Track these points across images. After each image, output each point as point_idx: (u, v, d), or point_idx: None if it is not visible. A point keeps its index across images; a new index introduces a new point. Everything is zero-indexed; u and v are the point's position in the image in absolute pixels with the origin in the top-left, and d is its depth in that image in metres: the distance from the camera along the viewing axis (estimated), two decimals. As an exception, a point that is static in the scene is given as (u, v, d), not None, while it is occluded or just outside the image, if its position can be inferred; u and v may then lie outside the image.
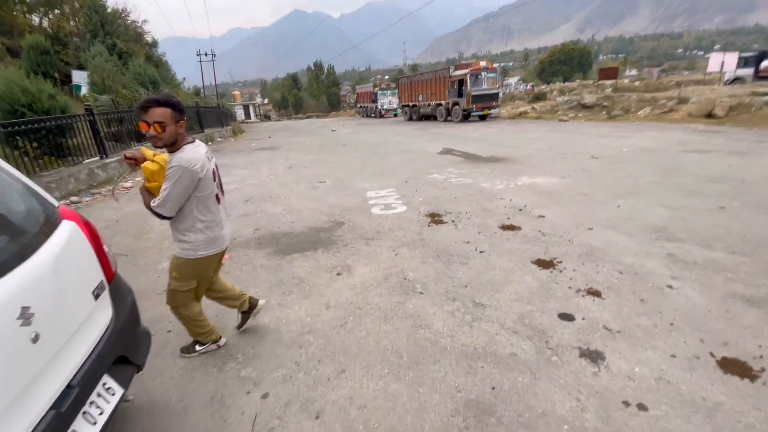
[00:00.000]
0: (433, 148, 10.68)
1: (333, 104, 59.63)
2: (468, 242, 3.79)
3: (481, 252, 3.54)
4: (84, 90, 14.15)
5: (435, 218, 4.59)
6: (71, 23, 18.29)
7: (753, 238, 3.52)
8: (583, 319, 2.49)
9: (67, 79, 14.89)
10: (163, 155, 1.99)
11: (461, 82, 19.00)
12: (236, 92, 62.62)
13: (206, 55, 39.84)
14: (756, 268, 2.98)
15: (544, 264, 3.27)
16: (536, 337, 2.32)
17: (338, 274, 3.34)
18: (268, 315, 2.73)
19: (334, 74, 64.76)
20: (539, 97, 26.38)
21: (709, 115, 13.00)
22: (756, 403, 1.75)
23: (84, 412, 1.33)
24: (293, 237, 4.29)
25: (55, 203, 1.57)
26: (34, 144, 7.05)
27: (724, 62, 19.16)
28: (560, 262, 3.30)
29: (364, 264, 3.49)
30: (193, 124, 15.32)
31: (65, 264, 1.37)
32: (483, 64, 19.39)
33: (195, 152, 1.88)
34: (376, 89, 32.51)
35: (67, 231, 1.47)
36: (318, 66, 64.42)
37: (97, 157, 8.89)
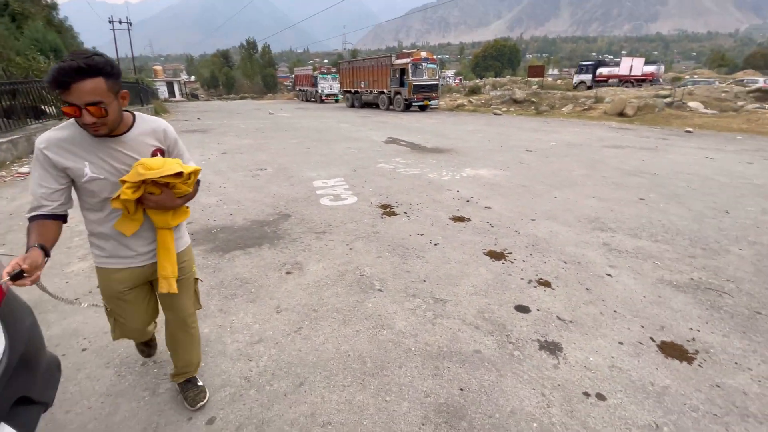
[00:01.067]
0: (378, 136, 10.56)
1: (269, 86, 56.55)
2: (422, 234, 3.74)
3: (435, 244, 3.51)
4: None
5: (387, 210, 4.48)
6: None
7: (671, 227, 3.94)
8: (538, 310, 2.55)
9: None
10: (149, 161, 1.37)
11: (402, 71, 19.03)
12: (158, 67, 56.27)
13: (120, 23, 35.20)
14: (677, 254, 3.33)
15: (496, 255, 3.33)
16: (497, 332, 2.32)
17: (288, 272, 3.08)
18: (207, 323, 2.41)
19: (270, 54, 61.33)
20: (474, 91, 27.52)
21: (621, 114, 14.56)
22: (696, 384, 1.91)
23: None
24: (233, 232, 3.90)
25: None
26: None
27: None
28: (510, 253, 3.38)
29: (317, 260, 3.27)
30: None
31: None
32: (423, 54, 19.59)
33: (154, 119, 1.49)
34: (316, 73, 31.34)
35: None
36: (251, 44, 60.46)
37: (-22, 136, 7.35)
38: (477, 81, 39.10)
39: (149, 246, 1.53)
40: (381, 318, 2.47)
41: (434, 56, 20.24)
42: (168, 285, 1.51)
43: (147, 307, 1.70)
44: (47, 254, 1.23)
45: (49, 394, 1.43)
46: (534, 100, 19.59)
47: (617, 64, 25.80)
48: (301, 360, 2.11)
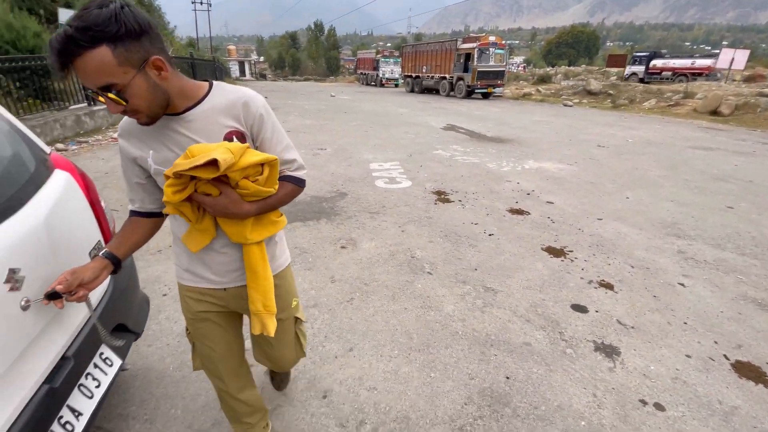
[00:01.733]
0: (437, 122, 10.39)
1: (332, 69, 57.60)
2: (476, 224, 3.68)
3: (490, 235, 3.45)
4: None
5: (441, 196, 4.45)
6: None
7: (763, 240, 3.49)
8: (597, 311, 2.43)
9: (53, 18, 13.86)
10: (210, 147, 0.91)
11: (468, 56, 18.37)
12: (231, 47, 59.65)
13: (201, 3, 37.65)
14: (766, 271, 2.96)
15: (555, 252, 3.19)
16: (550, 328, 2.26)
17: (342, 247, 3.21)
18: (270, 285, 2.61)
19: (335, 36, 62.14)
20: (544, 80, 25.88)
21: (715, 113, 12.91)
22: (775, 410, 1.73)
23: (80, 386, 1.21)
24: (294, 204, 4.12)
25: (47, 149, 1.37)
26: (17, 84, 6.57)
27: (734, 59, 18.88)
28: (571, 251, 3.22)
29: (370, 239, 3.37)
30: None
31: (59, 220, 1.20)
32: (492, 39, 18.69)
33: (235, 89, 1.00)
34: (379, 56, 31.35)
35: (60, 182, 1.29)
36: (318, 26, 61.64)
37: (85, 104, 8.39)
38: (548, 69, 36.66)
39: (231, 265, 1.11)
40: (429, 299, 2.50)
41: (503, 41, 19.27)
42: (261, 324, 1.11)
43: (234, 342, 1.28)
44: (116, 264, 1.05)
45: (140, 326, 1.67)
46: (611, 92, 17.99)
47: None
48: (351, 327, 2.22)
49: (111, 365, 1.37)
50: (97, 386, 1.28)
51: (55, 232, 1.16)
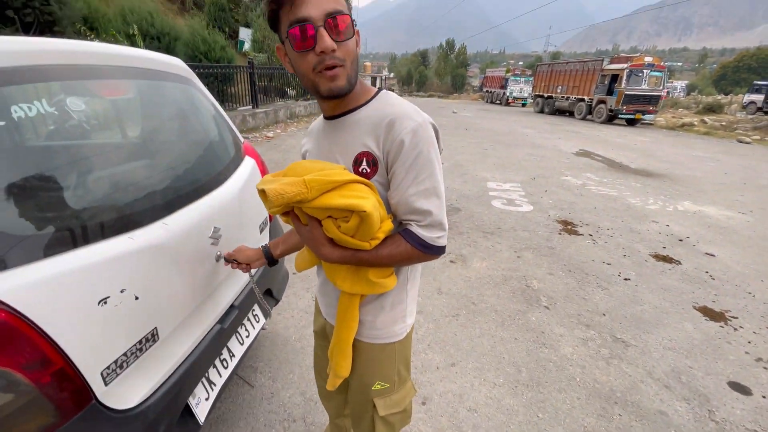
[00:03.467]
0: (568, 147, 9.56)
1: (457, 86, 57.97)
2: (608, 263, 3.26)
3: (626, 279, 3.01)
4: (246, 46, 16.19)
5: (568, 227, 4.07)
6: (246, -17, 20.83)
7: None
8: (764, 397, 1.92)
9: (234, 35, 17.20)
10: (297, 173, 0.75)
11: (614, 78, 16.46)
12: (367, 63, 65.04)
13: (349, 23, 41.96)
14: None
15: (712, 315, 2.62)
16: (696, 402, 1.86)
17: (451, 261, 3.19)
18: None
19: (465, 54, 62.46)
20: (712, 109, 21.54)
21: None
22: None
23: (237, 333, 1.46)
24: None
25: (242, 139, 1.72)
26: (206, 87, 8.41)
27: None
28: (735, 317, 2.61)
29: (481, 258, 3.27)
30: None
31: (246, 196, 1.49)
32: (648, 59, 16.40)
33: (397, 103, 0.81)
34: (509, 74, 30.36)
35: (249, 167, 1.59)
36: (449, 44, 62.80)
37: (250, 106, 10.15)
38: (718, 97, 30.43)
39: (332, 302, 0.97)
40: (544, 335, 2.31)
41: (662, 62, 16.74)
42: (332, 383, 0.99)
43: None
44: (270, 258, 1.13)
45: (280, 294, 1.93)
46: (815, 129, 14.01)
47: None
48: (455, 343, 2.19)
49: (258, 321, 1.62)
50: (247, 336, 1.53)
51: (243, 205, 1.44)
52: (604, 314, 2.54)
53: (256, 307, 1.65)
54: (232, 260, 1.17)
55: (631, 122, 16.70)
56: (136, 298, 0.95)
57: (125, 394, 0.93)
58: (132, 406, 0.93)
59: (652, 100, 16.14)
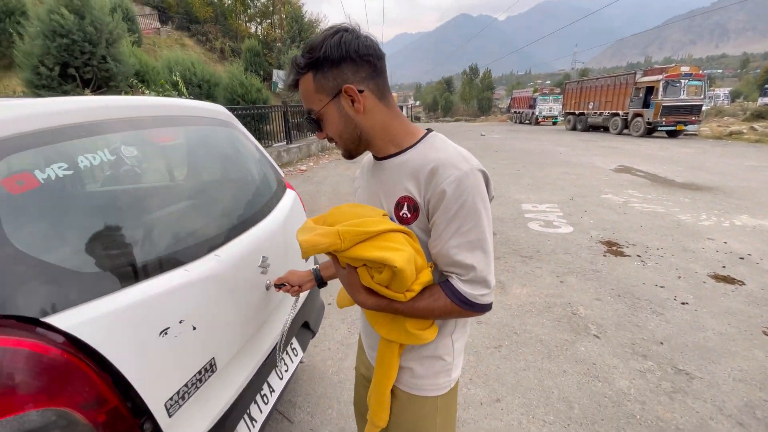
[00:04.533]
0: (605, 163, 9.20)
1: (483, 109, 58.15)
2: (662, 286, 3.03)
3: (683, 303, 2.77)
4: (280, 86, 17.21)
5: (613, 248, 3.85)
6: (277, 31, 22.48)
7: None
8: None
9: (268, 77, 18.39)
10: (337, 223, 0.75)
11: (650, 90, 15.90)
12: (394, 94, 66.93)
13: (375, 57, 43.81)
14: None
15: (791, 342, 2.34)
16: (784, 447, 1.64)
17: (490, 287, 3.09)
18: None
19: (490, 78, 62.98)
20: (762, 115, 20.13)
21: None
22: None
23: (276, 367, 1.47)
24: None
25: (282, 174, 1.80)
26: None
27: None
28: (819, 345, 2.31)
29: (521, 284, 3.15)
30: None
31: (289, 226, 1.56)
32: (685, 69, 15.76)
33: (442, 148, 0.79)
34: (536, 94, 30.15)
35: (290, 199, 1.68)
36: (473, 70, 63.66)
37: (284, 142, 10.66)
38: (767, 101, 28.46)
39: (372, 343, 0.96)
40: (595, 367, 2.14)
41: (700, 70, 16.02)
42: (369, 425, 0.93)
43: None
44: (318, 281, 1.16)
45: (317, 326, 1.94)
46: None
47: None
48: (499, 377, 2.08)
49: (297, 355, 1.63)
50: (286, 370, 1.53)
51: (288, 235, 1.50)
52: (661, 343, 2.33)
53: (295, 340, 1.66)
54: (281, 284, 1.20)
55: (672, 134, 15.92)
56: (194, 328, 0.99)
57: (185, 429, 0.94)
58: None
59: (694, 109, 15.37)
